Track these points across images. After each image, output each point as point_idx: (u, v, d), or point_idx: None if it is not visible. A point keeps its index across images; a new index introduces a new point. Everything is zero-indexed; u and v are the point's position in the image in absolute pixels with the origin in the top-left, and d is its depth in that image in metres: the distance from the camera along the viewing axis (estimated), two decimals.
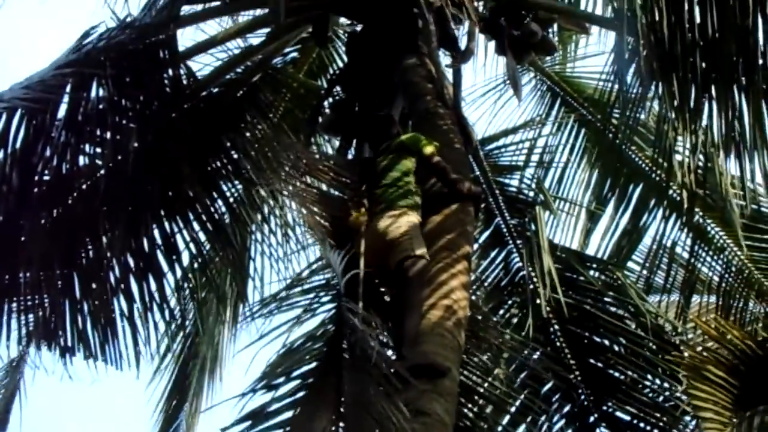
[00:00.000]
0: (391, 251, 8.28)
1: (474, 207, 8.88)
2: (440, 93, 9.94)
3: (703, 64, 9.01)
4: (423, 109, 9.75)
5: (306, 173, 9.06)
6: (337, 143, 11.45)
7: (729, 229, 11.73)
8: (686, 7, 8.97)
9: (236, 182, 10.55)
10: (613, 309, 11.15)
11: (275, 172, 9.16)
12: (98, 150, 9.82)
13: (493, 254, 11.61)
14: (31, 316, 9.76)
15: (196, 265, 10.17)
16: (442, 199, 8.74)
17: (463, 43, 11.24)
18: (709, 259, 11.90)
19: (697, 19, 8.97)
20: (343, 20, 11.90)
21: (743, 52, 8.89)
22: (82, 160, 9.75)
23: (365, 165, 9.27)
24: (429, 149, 8.85)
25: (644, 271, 12.05)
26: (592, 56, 13.00)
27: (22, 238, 9.49)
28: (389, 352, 7.95)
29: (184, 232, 9.88)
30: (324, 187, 9.27)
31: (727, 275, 11.89)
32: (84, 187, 9.77)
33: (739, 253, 11.85)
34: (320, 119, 11.31)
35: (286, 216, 9.72)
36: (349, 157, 10.76)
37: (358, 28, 11.39)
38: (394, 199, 8.60)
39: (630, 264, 12.35)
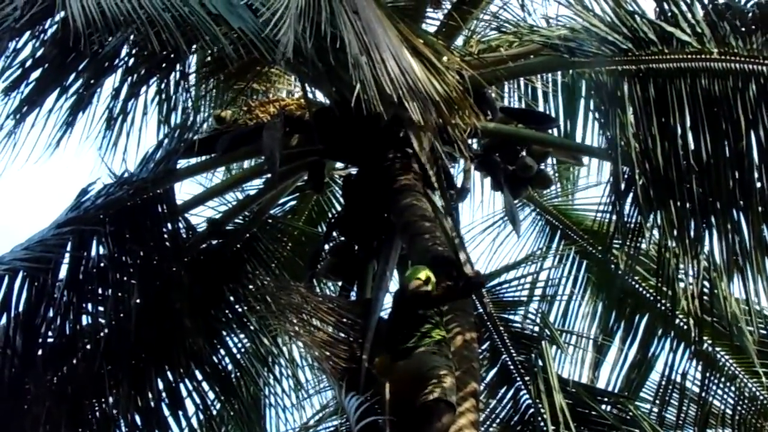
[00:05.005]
0: (419, 387, 8.03)
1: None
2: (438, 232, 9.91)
3: (700, 190, 9.01)
4: (421, 248, 9.70)
5: (312, 315, 8.95)
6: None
7: (739, 356, 11.52)
8: (679, 132, 9.00)
9: (240, 333, 10.54)
10: None
11: (280, 318, 9.07)
12: (100, 308, 9.82)
13: (501, 392, 11.42)
14: None
15: (201, 418, 10.07)
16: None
17: (459, 182, 11.29)
18: (720, 391, 11.65)
19: (691, 145, 9.00)
20: (338, 164, 11.91)
21: (739, 175, 8.90)
22: (84, 320, 9.75)
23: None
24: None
25: (655, 408, 11.78)
26: (589, 187, 12.97)
27: (28, 402, 9.43)
28: None
29: (189, 385, 9.83)
30: (329, 329, 9.15)
31: (739, 406, 11.66)
32: (88, 346, 9.73)
33: (752, 380, 11.65)
34: (320, 264, 11.26)
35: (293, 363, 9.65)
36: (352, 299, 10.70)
37: (354, 170, 11.41)
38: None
39: (642, 398, 12.11)
